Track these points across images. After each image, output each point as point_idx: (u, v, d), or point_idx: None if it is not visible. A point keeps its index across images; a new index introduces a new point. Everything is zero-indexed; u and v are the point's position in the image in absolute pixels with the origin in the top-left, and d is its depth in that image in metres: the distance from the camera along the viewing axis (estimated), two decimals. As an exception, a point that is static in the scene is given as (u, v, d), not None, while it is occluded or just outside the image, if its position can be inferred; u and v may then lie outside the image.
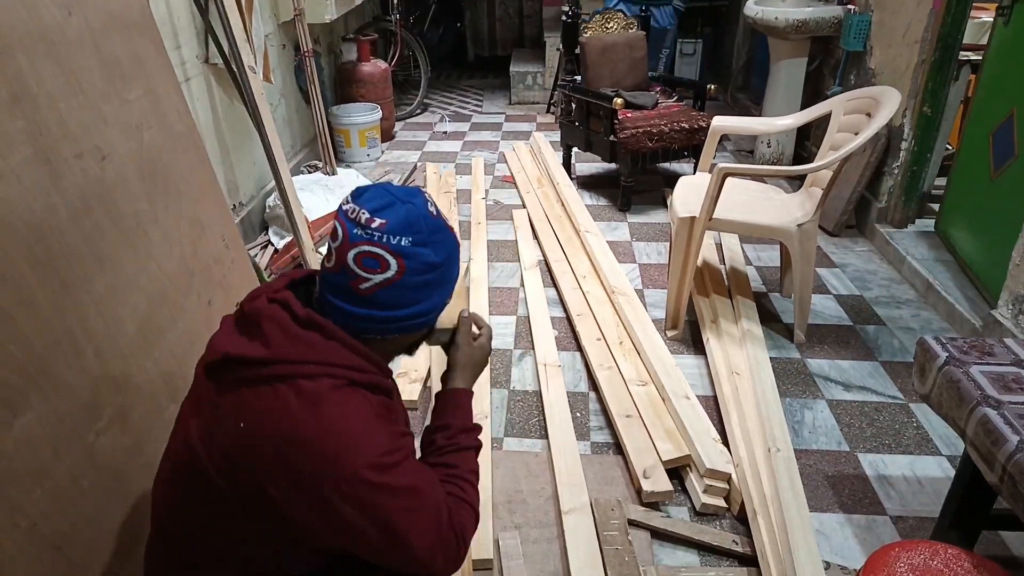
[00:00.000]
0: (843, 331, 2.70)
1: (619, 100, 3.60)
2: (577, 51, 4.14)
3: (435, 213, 1.07)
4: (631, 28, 4.19)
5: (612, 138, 3.68)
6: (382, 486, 0.99)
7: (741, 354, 2.35)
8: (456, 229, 3.46)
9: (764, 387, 2.15)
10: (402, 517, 1.01)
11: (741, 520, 1.82)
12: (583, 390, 2.37)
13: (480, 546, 1.68)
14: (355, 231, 1.00)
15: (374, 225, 0.99)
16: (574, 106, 4.04)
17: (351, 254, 1.00)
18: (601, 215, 3.76)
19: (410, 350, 1.21)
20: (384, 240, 1.00)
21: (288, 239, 3.22)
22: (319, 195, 3.50)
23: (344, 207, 1.04)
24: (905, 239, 3.24)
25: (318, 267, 1.13)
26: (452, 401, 1.24)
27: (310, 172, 3.97)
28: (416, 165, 4.58)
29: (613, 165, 4.06)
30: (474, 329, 1.32)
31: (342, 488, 0.97)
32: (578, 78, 4.13)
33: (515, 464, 2.02)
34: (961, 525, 1.61)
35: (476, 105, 6.16)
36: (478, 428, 1.25)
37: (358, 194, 1.04)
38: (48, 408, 1.32)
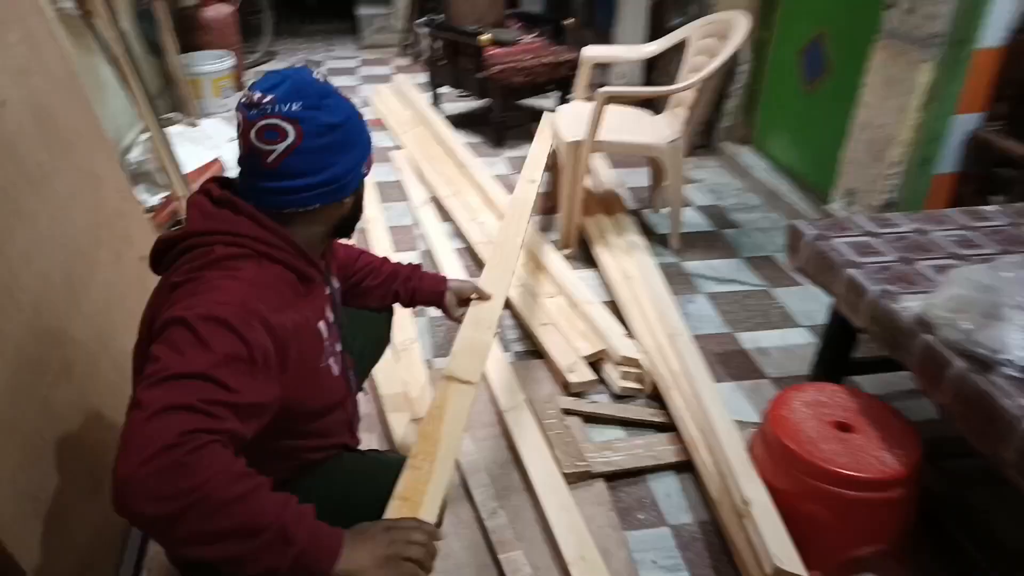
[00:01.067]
0: (709, 236, 3.05)
1: (486, 36, 3.71)
2: (435, -10, 4.17)
3: (322, 81, 1.12)
4: (486, -35, 4.26)
5: (482, 75, 3.79)
6: (179, 345, 0.93)
7: (630, 262, 2.61)
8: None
9: (656, 287, 2.42)
10: (149, 393, 0.90)
11: (653, 398, 2.09)
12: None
13: (436, 450, 1.82)
14: (251, 112, 1.06)
15: (266, 100, 1.06)
16: (440, 45, 4.09)
17: (252, 132, 1.06)
18: (477, 151, 3.88)
19: (342, 230, 1.25)
20: (276, 110, 1.05)
21: (163, 195, 3.08)
22: (187, 148, 3.34)
23: (241, 99, 1.10)
24: (746, 154, 3.66)
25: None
26: (306, 509, 0.96)
27: (168, 125, 3.75)
28: (278, 114, 4.44)
29: (480, 103, 4.18)
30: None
31: (165, 319, 0.98)
32: (441, 17, 4.16)
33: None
34: (829, 373, 1.96)
35: (327, 50, 5.99)
36: (281, 519, 0.91)
37: (252, 85, 1.10)
38: (4, 362, 1.29)
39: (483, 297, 1.60)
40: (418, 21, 4.42)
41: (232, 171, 3.29)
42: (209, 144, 3.43)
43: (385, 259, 1.61)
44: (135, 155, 3.27)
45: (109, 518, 1.52)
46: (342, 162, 1.13)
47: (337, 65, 5.56)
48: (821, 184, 3.07)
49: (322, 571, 0.91)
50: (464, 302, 1.61)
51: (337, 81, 5.06)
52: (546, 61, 3.86)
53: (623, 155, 3.50)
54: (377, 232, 2.96)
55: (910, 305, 1.54)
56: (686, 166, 3.67)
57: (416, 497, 1.07)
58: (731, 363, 2.27)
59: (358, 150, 1.17)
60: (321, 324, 1.20)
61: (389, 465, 1.21)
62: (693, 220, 3.18)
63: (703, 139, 3.94)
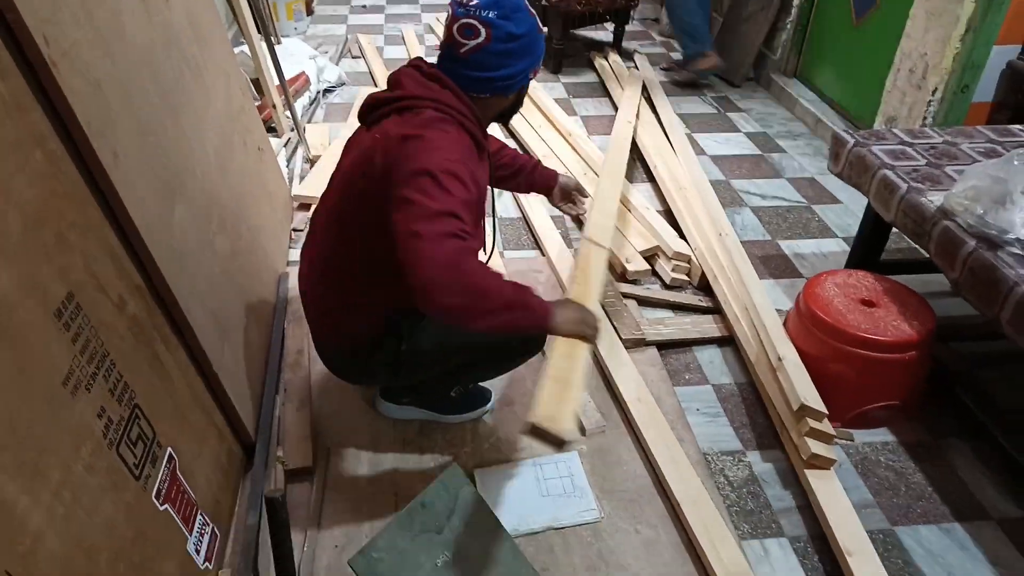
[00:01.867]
0: (755, 159, 3.29)
1: (550, -35, 3.89)
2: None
3: None
4: None
5: (544, 2, 3.99)
6: (430, 191, 1.25)
7: (684, 175, 2.87)
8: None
9: (708, 196, 2.68)
10: (427, 226, 1.22)
11: (701, 289, 2.37)
12: (558, 215, 2.82)
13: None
14: (459, 9, 1.36)
15: (471, 3, 1.34)
16: (502, -26, 4.27)
17: (456, 26, 1.36)
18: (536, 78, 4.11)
19: (503, 117, 1.55)
20: (476, 13, 1.34)
21: (258, 102, 3.38)
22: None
23: None
24: (796, 85, 3.84)
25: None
26: (536, 298, 1.35)
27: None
28: (347, 38, 4.69)
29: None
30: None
31: (407, 175, 1.28)
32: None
33: (520, 267, 2.46)
34: (861, 265, 2.22)
35: (387, -22, 6.16)
36: (531, 316, 1.34)
37: None
38: (187, 206, 1.62)
39: (583, 193, 1.92)
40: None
41: (315, 84, 3.59)
42: (292, 60, 3.70)
43: (516, 152, 1.88)
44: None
45: (257, 343, 1.89)
46: (516, 66, 1.41)
47: (398, -7, 5.75)
48: (864, 113, 3.27)
49: (546, 325, 1.35)
50: (566, 196, 1.90)
51: (398, 8, 5.32)
52: (605, -9, 4.03)
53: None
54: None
55: (934, 199, 1.79)
56: (734, 96, 3.89)
57: (585, 298, 1.55)
58: (771, 264, 2.54)
59: (530, 59, 1.43)
60: (487, 186, 1.53)
61: None
62: (741, 144, 3.41)
63: (752, 71, 4.12)
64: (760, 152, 3.34)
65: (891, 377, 1.83)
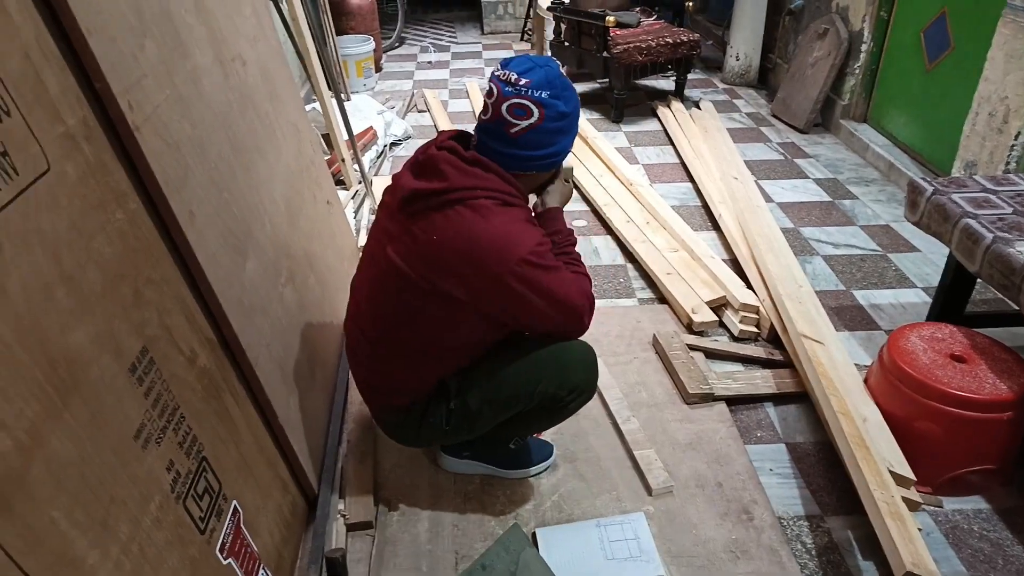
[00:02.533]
0: (825, 206, 3.19)
1: (611, 18, 3.94)
2: (562, -25, 4.43)
3: (564, 75, 1.41)
4: (611, -48, 4.49)
5: (605, 54, 4.03)
6: (539, 265, 1.36)
7: (753, 225, 2.80)
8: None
9: (780, 245, 2.60)
10: (556, 286, 1.40)
11: (770, 341, 2.29)
12: (620, 262, 2.79)
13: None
14: (507, 88, 1.35)
15: (522, 83, 1.34)
16: (564, 27, 4.36)
17: (505, 105, 1.35)
18: (598, 127, 4.13)
19: (539, 190, 1.57)
20: (529, 93, 1.34)
21: (327, 157, 3.49)
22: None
23: (496, 73, 1.39)
24: (867, 130, 3.74)
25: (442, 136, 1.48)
26: (553, 215, 1.57)
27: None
28: (413, 92, 4.83)
29: (599, 84, 4.42)
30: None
31: (513, 270, 1.34)
32: (567, 1, 4.43)
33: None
34: (945, 318, 2.11)
35: (451, 37, 6.37)
36: (574, 232, 1.61)
37: (505, 64, 1.40)
38: (257, 260, 1.66)
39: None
40: (544, 6, 4.68)
41: (382, 138, 3.69)
42: (360, 116, 3.83)
43: None
44: (298, 124, 3.72)
45: (322, 396, 1.90)
46: (561, 143, 1.43)
47: (462, 50, 5.92)
48: (940, 158, 3.15)
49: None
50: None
51: (462, 63, 5.46)
52: (666, 42, 4.05)
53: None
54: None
55: (1023, 249, 1.69)
56: (801, 142, 3.81)
57: None
58: (845, 315, 2.44)
59: (572, 135, 1.46)
60: None
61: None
62: (809, 191, 3.32)
63: (821, 116, 4.04)
64: (830, 199, 3.25)
65: (986, 439, 1.71)
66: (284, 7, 3.01)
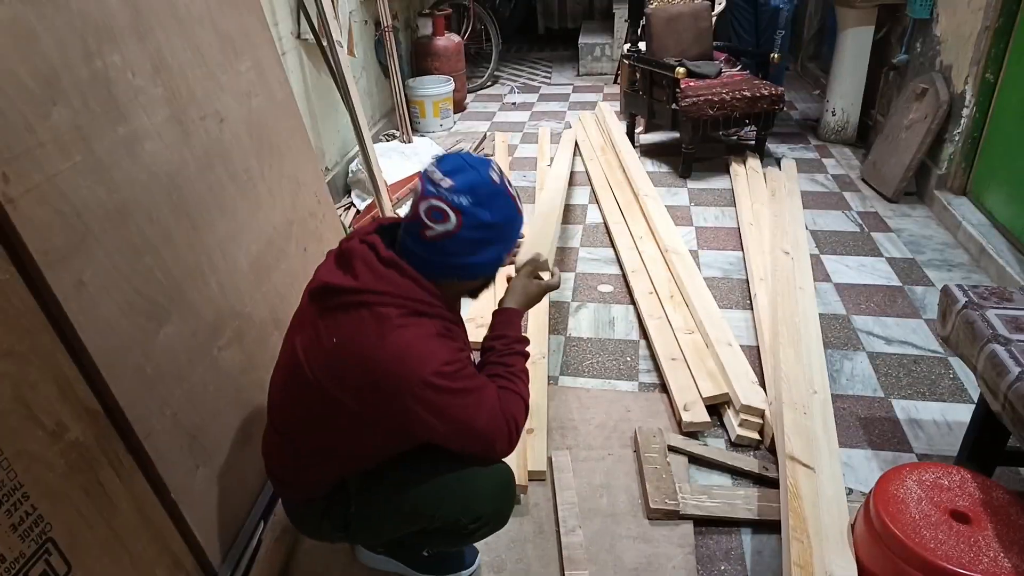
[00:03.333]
0: (891, 291, 2.80)
1: (681, 70, 3.72)
2: (643, 21, 4.26)
3: (498, 181, 1.26)
4: (696, -2, 4.27)
5: (674, 106, 3.81)
6: (444, 388, 1.22)
7: (784, 310, 2.50)
8: (519, 193, 3.69)
9: (810, 338, 2.30)
10: (463, 412, 1.26)
11: (771, 451, 2.00)
12: (634, 338, 2.57)
13: (535, 460, 1.93)
14: (429, 187, 1.23)
15: (444, 184, 1.21)
16: (638, 75, 4.18)
17: (423, 206, 1.23)
18: (662, 181, 3.91)
19: (473, 294, 1.44)
20: (448, 198, 1.20)
21: (369, 201, 3.52)
22: (396, 161, 3.78)
23: (427, 168, 1.26)
24: (963, 205, 3.28)
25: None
26: (506, 318, 1.46)
27: (388, 140, 4.26)
28: (486, 134, 4.81)
29: (676, 134, 4.18)
30: (543, 275, 1.54)
31: (414, 392, 1.21)
32: (643, 47, 4.25)
33: (568, 398, 2.24)
34: (977, 458, 1.75)
35: (545, 77, 6.33)
36: (527, 340, 1.48)
37: (439, 159, 1.27)
38: (184, 324, 1.63)
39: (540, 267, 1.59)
40: (623, 52, 4.52)
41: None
42: (416, 160, 3.83)
43: None
44: (355, 164, 3.78)
45: (253, 464, 1.84)
46: (487, 254, 1.29)
47: (551, 91, 5.86)
48: (1040, 247, 2.69)
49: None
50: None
51: (546, 106, 5.38)
52: (743, 96, 3.77)
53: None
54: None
55: (1054, 394, 1.36)
56: (887, 212, 3.41)
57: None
58: (874, 430, 2.10)
59: (504, 245, 1.32)
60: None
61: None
62: (878, 272, 2.94)
63: (913, 185, 3.60)
64: (900, 283, 2.85)
65: (980, 625, 1.37)
66: (327, 52, 3.06)
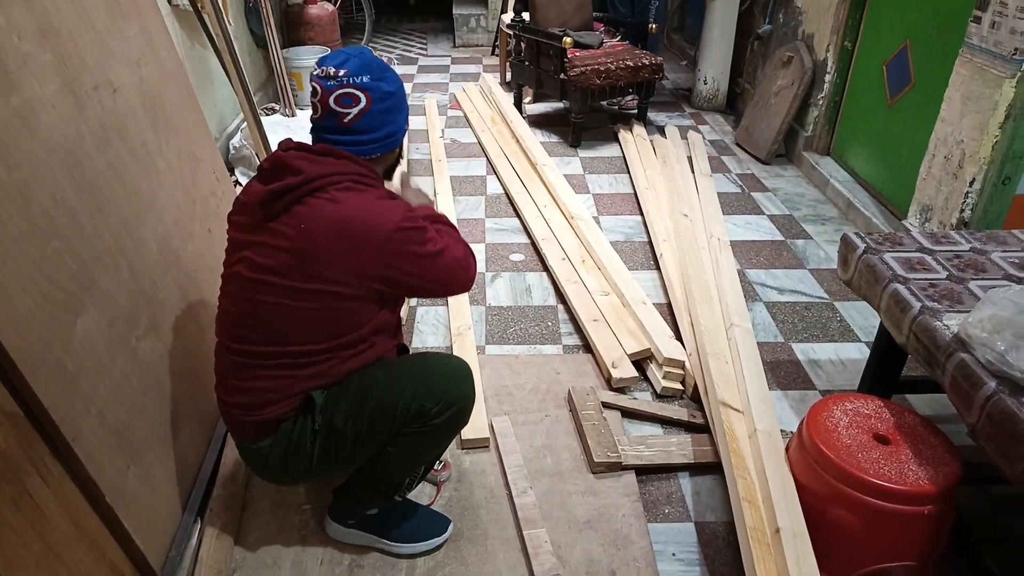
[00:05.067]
0: (776, 245, 3.03)
1: (568, 39, 3.78)
2: (525, -8, 4.28)
3: (379, 58, 1.42)
4: (575, -31, 4.34)
5: (562, 76, 3.88)
6: (416, 228, 1.37)
7: (691, 268, 2.64)
8: (411, 165, 3.65)
9: (729, 293, 2.43)
10: (439, 244, 1.41)
11: (694, 399, 2.13)
12: (551, 303, 2.63)
13: (476, 428, 1.93)
14: (329, 82, 1.35)
15: (341, 73, 1.35)
16: (523, 46, 4.21)
17: (332, 98, 1.35)
18: (554, 151, 3.98)
19: (387, 174, 1.56)
20: (351, 81, 1.35)
21: (257, 178, 3.32)
22: (283, 135, 3.57)
23: (315, 72, 1.38)
24: (829, 164, 3.59)
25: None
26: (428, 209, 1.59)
27: (269, 114, 4.04)
28: (369, 107, 4.66)
29: (562, 104, 4.26)
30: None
31: (392, 239, 1.34)
32: (527, 18, 4.27)
33: (499, 365, 2.26)
34: (876, 389, 1.95)
35: (421, 49, 6.22)
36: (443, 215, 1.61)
37: (322, 62, 1.39)
38: (99, 314, 1.49)
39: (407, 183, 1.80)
40: (505, 22, 4.53)
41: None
42: (303, 134, 3.65)
43: None
44: (237, 140, 3.55)
45: (183, 459, 1.73)
46: (397, 120, 1.45)
47: (429, 63, 5.77)
48: (899, 199, 3.00)
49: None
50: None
51: (427, 78, 5.31)
52: (627, 65, 3.90)
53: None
54: (448, 223, 3.10)
55: (951, 323, 1.53)
56: (762, 174, 3.66)
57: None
58: (780, 372, 2.28)
59: (405, 111, 1.49)
60: None
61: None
62: (762, 229, 3.17)
63: (783, 147, 3.89)
64: (783, 238, 3.09)
65: (905, 533, 1.54)
66: (208, 20, 2.85)
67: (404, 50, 6.16)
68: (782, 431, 1.97)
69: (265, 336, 1.41)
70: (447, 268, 1.44)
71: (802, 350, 2.38)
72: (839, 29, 3.41)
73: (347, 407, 1.44)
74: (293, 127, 3.71)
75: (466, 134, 4.23)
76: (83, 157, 1.55)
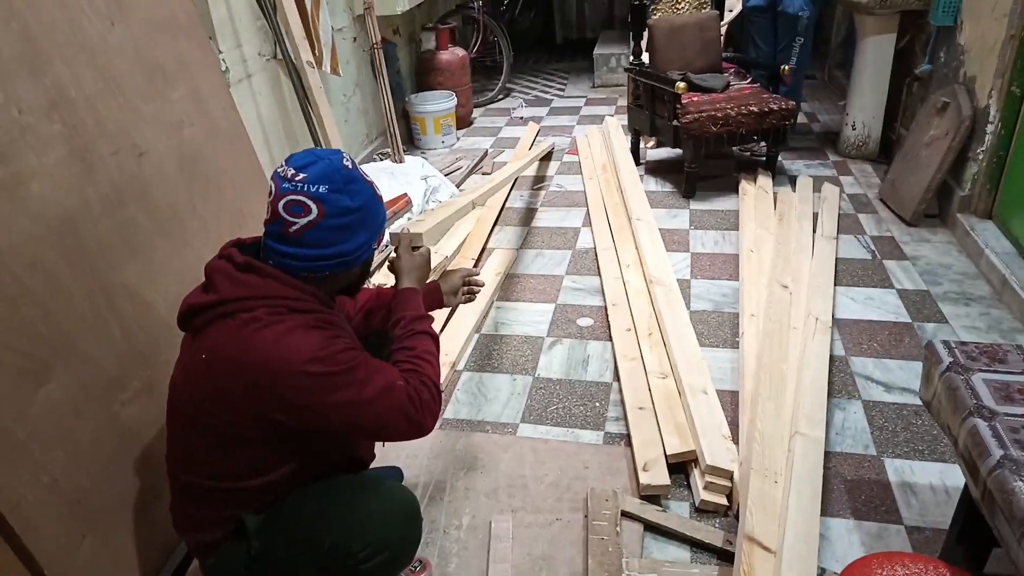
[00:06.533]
0: (898, 328, 2.54)
1: (682, 84, 3.50)
2: (645, 33, 4.05)
3: (350, 167, 1.28)
4: (704, 8, 4.05)
5: (675, 123, 3.59)
6: (320, 374, 1.19)
7: (773, 354, 2.27)
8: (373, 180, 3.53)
9: (812, 386, 2.06)
10: (346, 394, 1.22)
11: (738, 519, 1.78)
12: (607, 380, 2.37)
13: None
14: (284, 184, 1.23)
15: (298, 178, 1.23)
16: (640, 90, 3.98)
17: (281, 203, 1.23)
18: (663, 202, 3.70)
19: (351, 290, 1.43)
20: (305, 189, 1.22)
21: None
22: (383, 181, 3.63)
23: (278, 169, 1.26)
24: (987, 230, 2.98)
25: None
26: (402, 299, 1.48)
27: (380, 160, 4.14)
28: (487, 151, 4.65)
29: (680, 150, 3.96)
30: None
31: (292, 383, 1.19)
32: (647, 59, 4.04)
33: (524, 450, 2.06)
34: (967, 541, 1.51)
35: (559, 89, 6.15)
36: (430, 317, 1.48)
37: (289, 158, 1.27)
38: (72, 379, 1.50)
39: (476, 282, 1.78)
40: (626, 65, 4.32)
41: (419, 204, 3.53)
42: (403, 180, 3.69)
43: (379, 290, 1.74)
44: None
45: (163, 526, 1.71)
46: (355, 240, 1.29)
47: (562, 104, 5.67)
48: (1068, 282, 2.40)
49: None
50: (456, 291, 1.76)
51: (554, 120, 5.20)
52: (750, 111, 3.53)
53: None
54: (518, 279, 2.95)
55: (1039, 488, 1.13)
56: (903, 237, 3.14)
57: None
58: (860, 494, 1.86)
59: (370, 230, 1.32)
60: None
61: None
62: (886, 306, 2.68)
63: (935, 207, 3.31)
64: (909, 319, 2.59)
65: None
66: (300, 72, 2.94)
67: (543, 90, 6.12)
68: (834, 574, 1.60)
69: (182, 463, 1.34)
70: (377, 416, 1.25)
71: (896, 468, 1.93)
72: (1005, 72, 2.84)
73: (279, 530, 1.32)
74: (396, 173, 3.75)
75: (576, 181, 4.06)
76: (83, 223, 1.59)
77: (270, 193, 1.26)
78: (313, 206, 1.22)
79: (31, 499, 1.37)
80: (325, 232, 1.25)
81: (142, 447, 1.67)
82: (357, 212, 1.27)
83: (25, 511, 1.36)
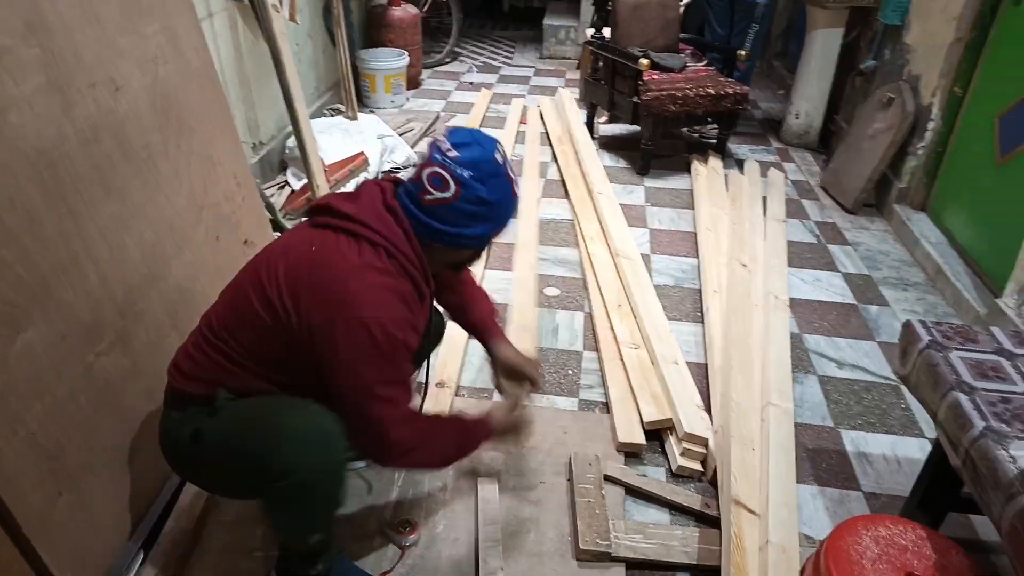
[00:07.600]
0: (845, 309, 2.70)
1: (645, 60, 3.55)
2: (608, 6, 4.06)
3: (500, 162, 1.29)
4: (665, -13, 4.08)
5: (635, 99, 3.64)
6: (374, 346, 1.22)
7: (744, 326, 2.36)
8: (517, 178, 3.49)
9: (776, 361, 2.16)
10: (369, 380, 1.25)
11: (713, 485, 1.86)
12: (578, 348, 2.41)
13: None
14: (435, 155, 1.26)
15: (451, 154, 1.25)
16: (600, 63, 3.99)
17: (427, 171, 1.26)
18: (618, 177, 3.75)
19: (456, 267, 1.51)
20: (452, 167, 1.24)
21: (305, 181, 3.26)
22: (337, 138, 3.52)
23: (436, 137, 1.30)
24: (922, 221, 3.20)
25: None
26: (481, 421, 1.50)
27: (332, 115, 3.99)
28: (439, 115, 4.57)
29: (637, 127, 4.02)
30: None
31: (349, 329, 1.22)
32: (607, 33, 4.05)
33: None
34: (928, 506, 1.64)
35: (507, 57, 6.09)
36: (476, 440, 1.49)
37: (452, 131, 1.30)
38: (50, 327, 1.40)
39: (535, 383, 1.69)
40: (586, 37, 4.33)
41: (376, 165, 3.43)
42: (359, 138, 3.58)
43: (482, 296, 1.75)
44: (292, 141, 3.51)
45: (137, 484, 1.62)
46: (477, 228, 1.31)
47: (511, 72, 5.63)
48: (998, 272, 2.61)
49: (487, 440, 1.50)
50: (511, 373, 1.68)
51: (505, 88, 5.15)
52: (707, 93, 3.62)
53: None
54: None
55: (1020, 455, 1.23)
56: (844, 224, 3.31)
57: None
58: (821, 463, 1.98)
59: (495, 225, 1.34)
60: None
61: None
62: (833, 288, 2.83)
63: (873, 197, 3.51)
64: (855, 301, 2.75)
65: None
66: (262, 15, 2.79)
67: (489, 57, 6.05)
68: (807, 537, 1.70)
69: (220, 311, 1.39)
70: (359, 418, 1.28)
71: (853, 439, 2.07)
72: (950, 72, 3.03)
73: (225, 423, 1.32)
74: (351, 130, 3.63)
75: (529, 151, 4.05)
76: (60, 158, 1.47)
77: (423, 156, 1.29)
78: (453, 185, 1.24)
79: (8, 453, 1.28)
80: (453, 213, 1.27)
81: (115, 402, 1.58)
82: (489, 205, 1.28)
83: (3, 466, 1.26)
